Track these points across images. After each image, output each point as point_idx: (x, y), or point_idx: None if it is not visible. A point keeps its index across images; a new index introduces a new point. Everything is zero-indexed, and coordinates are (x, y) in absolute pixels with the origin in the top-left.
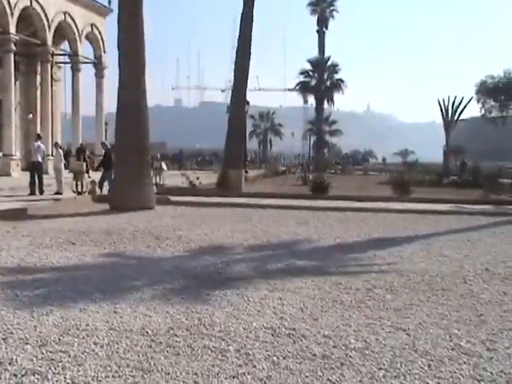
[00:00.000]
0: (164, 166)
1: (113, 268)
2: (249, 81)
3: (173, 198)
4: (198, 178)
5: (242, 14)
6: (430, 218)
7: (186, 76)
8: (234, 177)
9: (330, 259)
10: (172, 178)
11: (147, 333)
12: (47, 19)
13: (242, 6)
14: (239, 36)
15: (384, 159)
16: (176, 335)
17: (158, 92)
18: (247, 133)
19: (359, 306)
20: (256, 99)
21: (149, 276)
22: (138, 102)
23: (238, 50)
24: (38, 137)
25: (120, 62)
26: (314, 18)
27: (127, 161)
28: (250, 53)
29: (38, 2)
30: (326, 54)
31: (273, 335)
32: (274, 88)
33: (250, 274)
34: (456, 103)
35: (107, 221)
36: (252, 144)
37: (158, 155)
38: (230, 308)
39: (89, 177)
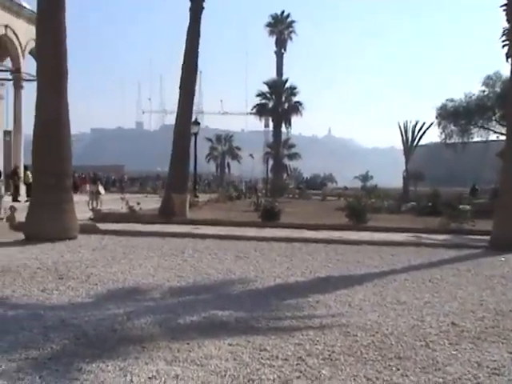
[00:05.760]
0: (101, 189)
1: None
2: (214, 104)
3: (104, 226)
4: (138, 204)
5: (188, 29)
6: (386, 251)
7: (147, 98)
8: (177, 202)
9: (262, 308)
10: (115, 202)
11: None
12: None
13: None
14: (185, 52)
15: (346, 187)
16: None
17: (119, 114)
18: (203, 156)
19: None
20: (220, 123)
21: (16, 336)
22: (58, 119)
23: (184, 66)
24: None
25: (38, 72)
26: (273, 40)
27: (44, 185)
28: (196, 70)
29: None
30: (287, 77)
31: None
32: (237, 111)
33: (152, 333)
34: (416, 128)
35: (12, 254)
36: (210, 167)
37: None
38: None
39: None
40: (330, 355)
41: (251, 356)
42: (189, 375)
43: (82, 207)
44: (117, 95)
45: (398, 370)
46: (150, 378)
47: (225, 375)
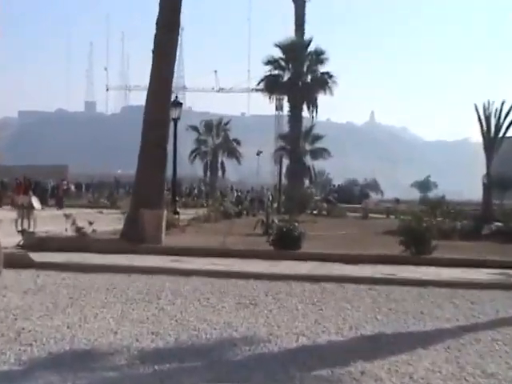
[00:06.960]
0: (36, 203)
1: None
2: (200, 77)
3: (41, 256)
4: (91, 223)
5: None
6: (462, 297)
7: (102, 67)
8: (149, 221)
9: (280, 382)
10: (57, 221)
11: None
12: None
13: None
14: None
15: (397, 200)
16: None
17: (61, 92)
18: (187, 152)
19: None
20: (210, 104)
21: None
22: None
23: (160, 20)
24: None
25: None
26: None
27: None
28: (177, 26)
29: None
30: (311, 37)
31: None
32: (236, 88)
33: None
34: (503, 112)
35: None
36: (197, 169)
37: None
38: None
39: None
40: None
41: None
42: None
43: (6, 227)
44: (59, 66)
45: None
46: None
47: None
